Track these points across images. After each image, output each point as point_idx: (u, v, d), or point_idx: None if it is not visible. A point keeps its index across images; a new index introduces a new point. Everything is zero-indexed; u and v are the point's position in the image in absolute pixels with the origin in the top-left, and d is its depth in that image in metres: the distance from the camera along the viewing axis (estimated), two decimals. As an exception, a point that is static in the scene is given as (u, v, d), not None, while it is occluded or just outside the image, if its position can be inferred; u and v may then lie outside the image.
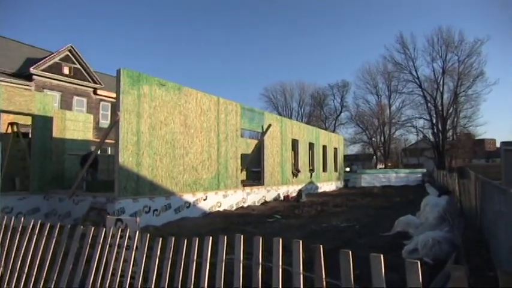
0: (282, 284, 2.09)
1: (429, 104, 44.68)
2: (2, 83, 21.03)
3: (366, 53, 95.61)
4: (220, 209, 12.86)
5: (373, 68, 53.98)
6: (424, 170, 32.79)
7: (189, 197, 11.54)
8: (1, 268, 3.28)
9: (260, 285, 2.12)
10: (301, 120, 56.39)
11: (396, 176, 29.83)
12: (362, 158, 62.48)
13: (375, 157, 58.41)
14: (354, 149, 62.97)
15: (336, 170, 26.60)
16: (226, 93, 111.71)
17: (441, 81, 43.66)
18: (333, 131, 50.76)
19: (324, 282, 1.95)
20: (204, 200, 12.19)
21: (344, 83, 59.32)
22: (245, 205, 14.29)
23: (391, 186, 27.05)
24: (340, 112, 59.72)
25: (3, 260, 3.32)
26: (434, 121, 44.52)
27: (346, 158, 42.96)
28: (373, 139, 55.05)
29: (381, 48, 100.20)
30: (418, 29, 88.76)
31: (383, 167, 52.89)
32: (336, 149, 26.78)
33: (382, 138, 53.53)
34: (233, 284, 2.23)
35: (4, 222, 3.47)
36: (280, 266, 2.07)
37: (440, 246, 5.65)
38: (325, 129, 47.59)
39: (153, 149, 10.36)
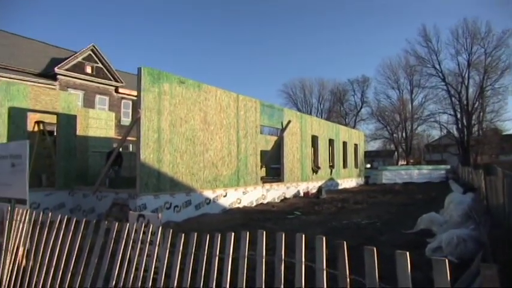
0: (304, 281, 2.06)
1: (453, 99, 43.43)
2: (29, 83, 21.71)
3: (387, 47, 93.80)
4: (240, 206, 12.91)
5: (395, 63, 52.91)
6: (448, 167, 31.98)
7: (209, 194, 11.63)
8: (31, 261, 3.39)
9: (283, 280, 2.10)
10: (321, 116, 55.93)
11: (418, 173, 29.21)
12: (383, 155, 61.41)
13: (396, 153, 57.36)
14: (375, 145, 62.08)
15: (356, 166, 26.26)
16: (245, 90, 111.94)
17: (466, 75, 42.32)
18: (353, 127, 50.10)
19: (348, 279, 1.91)
20: (224, 196, 12.26)
21: (364, 78, 58.44)
22: (265, 202, 14.30)
23: (413, 183, 26.51)
24: (361, 108, 58.89)
25: (32, 253, 3.42)
26: (458, 116, 43.24)
27: (367, 154, 42.32)
28: (395, 135, 54.01)
29: (402, 42, 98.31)
30: (442, 21, 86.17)
31: (405, 163, 51.83)
32: (356, 145, 26.43)
33: (404, 134, 52.43)
34: (255, 279, 2.22)
35: (33, 217, 3.58)
36: (303, 262, 2.05)
37: (465, 245, 5.49)
38: (345, 125, 46.99)
39: (174, 145, 10.48)
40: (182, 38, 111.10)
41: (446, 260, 1.65)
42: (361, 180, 26.95)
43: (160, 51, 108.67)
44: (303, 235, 2.11)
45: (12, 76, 22.28)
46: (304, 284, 2.06)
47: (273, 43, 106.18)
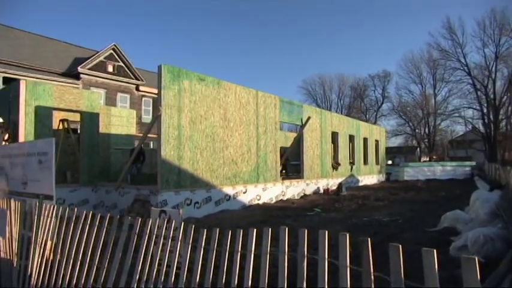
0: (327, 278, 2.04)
1: (479, 93, 42.04)
2: (54, 82, 22.33)
3: (409, 41, 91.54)
4: (260, 202, 12.92)
5: (417, 57, 51.66)
6: (473, 163, 31.07)
7: (229, 190, 11.69)
8: (58, 255, 3.49)
9: (305, 277, 2.08)
10: (341, 112, 55.33)
11: (442, 169, 28.50)
12: (405, 151, 60.16)
13: (418, 149, 56.13)
14: (396, 141, 60.87)
15: (377, 163, 25.86)
16: (264, 86, 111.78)
17: (493, 68, 40.83)
18: (374, 123, 49.31)
19: (372, 277, 1.87)
20: (244, 192, 12.30)
21: (385, 73, 57.39)
22: (284, 198, 14.27)
23: (436, 180, 25.90)
24: (382, 103, 57.92)
25: (60, 247, 3.52)
26: (485, 111, 41.86)
27: (388, 150, 41.56)
28: (417, 131, 52.82)
29: (425, 35, 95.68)
30: (467, 12, 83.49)
31: (427, 160, 50.67)
32: (377, 141, 26.01)
33: (427, 130, 51.22)
34: (277, 276, 2.21)
35: (60, 212, 3.68)
36: (327, 259, 2.02)
37: (492, 244, 5.31)
38: (366, 121, 46.31)
39: (194, 142, 10.57)
40: (202, 36, 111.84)
41: (476, 259, 1.59)
42: (382, 177, 26.53)
43: (180, 49, 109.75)
44: (326, 231, 2.08)
45: (38, 76, 22.97)
46: (327, 280, 2.04)
47: (292, 40, 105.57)
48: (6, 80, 20.90)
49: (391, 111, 55.85)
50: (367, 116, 57.30)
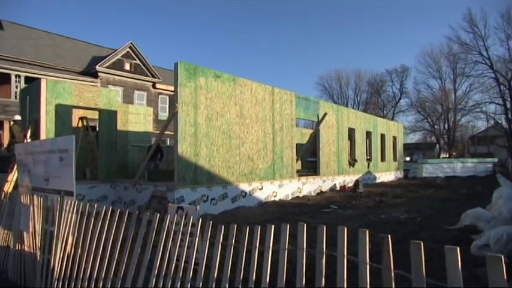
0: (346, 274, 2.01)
1: (502, 87, 40.66)
2: (73, 81, 22.79)
3: (428, 35, 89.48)
4: (276, 199, 12.91)
5: (436, 51, 50.34)
6: (495, 160, 30.23)
7: (245, 187, 11.72)
8: (79, 249, 3.56)
9: (324, 274, 2.06)
10: (358, 108, 54.62)
11: (462, 166, 27.82)
12: (423, 147, 59.03)
13: (437, 146, 54.96)
14: (415, 138, 59.83)
15: (395, 159, 25.45)
16: (280, 83, 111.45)
17: (518, 61, 39.51)
18: (392, 119, 48.56)
19: (393, 274, 1.84)
20: (260, 189, 12.30)
21: (403, 68, 56.21)
22: (301, 195, 14.21)
23: (456, 177, 25.30)
24: (399, 99, 56.85)
25: (80, 242, 3.60)
26: (508, 105, 40.51)
27: (406, 147, 40.87)
28: (436, 127, 51.70)
29: (444, 29, 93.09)
30: (490, 4, 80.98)
31: (447, 156, 49.59)
32: (394, 137, 25.59)
33: (446, 126, 50.06)
34: (294, 272, 2.20)
35: (80, 208, 3.76)
36: (346, 256, 2.00)
37: (516, 243, 5.16)
38: (383, 117, 45.62)
39: (210, 139, 10.62)
40: (218, 34, 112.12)
41: (502, 257, 1.53)
42: (400, 174, 26.11)
43: (196, 47, 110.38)
44: (345, 228, 2.06)
45: (58, 75, 23.49)
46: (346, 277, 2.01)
47: (307, 36, 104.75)
48: (28, 80, 21.43)
49: (409, 107, 54.85)
50: (385, 111, 56.41)
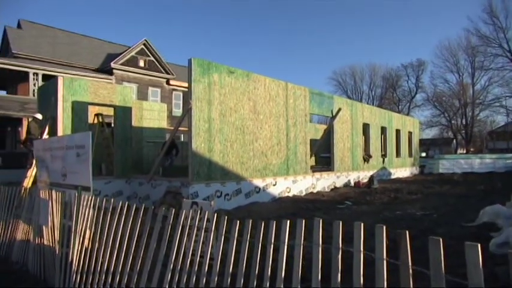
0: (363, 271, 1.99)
1: (524, 81, 39.63)
2: (88, 78, 23.12)
3: (445, 28, 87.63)
4: (290, 195, 12.88)
5: (454, 44, 49.30)
6: (515, 155, 29.48)
7: (258, 182, 11.72)
8: (96, 243, 3.62)
9: (340, 270, 2.04)
10: (372, 104, 53.99)
11: (480, 162, 27.18)
12: (440, 143, 57.92)
13: (454, 141, 53.93)
14: (431, 133, 58.73)
15: (410, 155, 25.09)
16: (293, 78, 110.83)
17: (541, 53, 38.35)
18: (407, 114, 47.76)
19: (411, 270, 1.81)
20: (274, 185, 12.29)
21: (419, 62, 55.23)
22: (314, 191, 14.15)
23: (474, 173, 24.76)
24: (415, 93, 55.92)
25: (98, 236, 3.65)
26: (530, 99, 39.52)
27: (422, 142, 40.19)
28: (453, 122, 50.64)
29: (463, 21, 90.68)
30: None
31: (464, 152, 48.59)
32: (410, 133, 25.21)
33: (464, 121, 48.98)
34: (310, 268, 2.18)
35: (97, 203, 3.81)
36: (362, 251, 1.97)
37: (538, 241, 5.03)
38: (398, 112, 44.98)
39: (224, 135, 10.64)
40: (230, 31, 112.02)
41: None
42: (415, 170, 25.74)
43: (210, 43, 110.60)
44: (362, 223, 2.03)
45: (74, 72, 23.86)
46: (363, 273, 1.99)
47: (322, 32, 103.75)
48: (45, 77, 21.84)
49: (426, 102, 53.94)
50: (400, 107, 55.61)
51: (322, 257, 2.19)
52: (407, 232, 1.87)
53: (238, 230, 2.64)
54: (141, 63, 28.33)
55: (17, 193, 6.00)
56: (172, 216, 3.10)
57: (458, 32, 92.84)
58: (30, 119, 12.61)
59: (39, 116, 11.36)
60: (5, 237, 6.00)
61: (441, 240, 1.74)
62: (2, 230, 6.13)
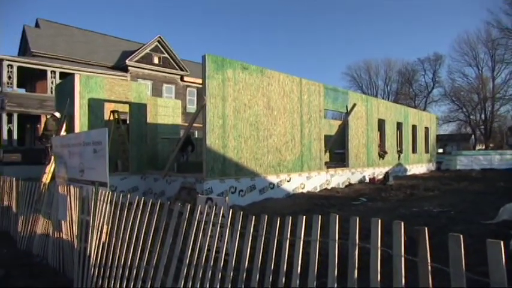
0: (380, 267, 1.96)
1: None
2: (105, 75, 23.44)
3: (463, 20, 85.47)
4: (304, 191, 12.83)
5: (473, 37, 48.08)
6: (537, 151, 28.68)
7: (273, 178, 11.71)
8: (113, 238, 3.68)
9: (356, 266, 2.02)
10: (388, 99, 53.26)
11: (500, 158, 26.53)
12: (457, 138, 56.76)
13: (473, 137, 52.75)
14: (448, 129, 57.55)
15: (427, 151, 24.66)
16: (307, 74, 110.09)
17: None
18: (424, 109, 46.95)
19: (430, 267, 1.78)
20: (288, 181, 12.26)
21: (437, 56, 54.07)
22: (329, 187, 14.06)
23: (493, 169, 24.18)
24: (432, 88, 54.86)
25: (115, 231, 3.71)
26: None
27: (439, 138, 39.46)
28: (472, 117, 49.51)
29: (482, 13, 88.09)
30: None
31: (483, 148, 47.47)
32: (427, 128, 24.77)
33: (483, 116, 47.83)
34: (325, 264, 2.17)
35: (114, 199, 3.87)
36: (379, 248, 1.94)
37: (560, 238, 4.88)
38: (415, 107, 44.21)
39: (238, 131, 10.66)
40: (243, 28, 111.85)
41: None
42: (432, 166, 25.30)
43: (222, 40, 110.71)
44: (379, 220, 2.00)
45: (90, 70, 24.22)
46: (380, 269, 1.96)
47: (335, 27, 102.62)
48: (62, 75, 22.24)
49: (443, 97, 52.85)
50: (416, 102, 54.66)
51: (338, 254, 2.17)
52: (426, 228, 1.84)
53: (254, 225, 2.64)
54: (156, 60, 28.56)
55: (36, 188, 6.14)
56: (187, 212, 3.12)
57: (478, 24, 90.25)
58: (48, 116, 12.87)
59: (57, 114, 11.58)
60: (26, 231, 6.15)
61: (461, 236, 1.70)
62: (23, 224, 6.30)
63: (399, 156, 20.31)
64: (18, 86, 22.91)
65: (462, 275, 1.66)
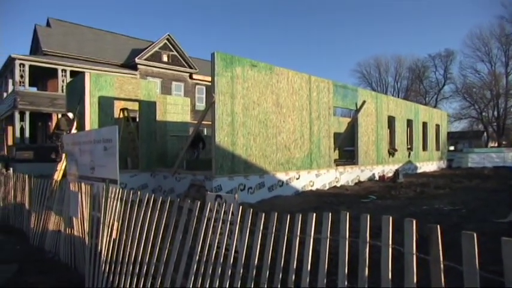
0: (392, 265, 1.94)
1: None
2: (114, 73, 23.62)
3: (475, 16, 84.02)
4: (313, 188, 12.80)
5: (486, 32, 47.05)
6: (552, 149, 28.17)
7: (282, 176, 11.69)
8: (124, 235, 3.71)
9: (367, 264, 2.01)
10: (398, 96, 52.72)
11: (514, 156, 26.14)
12: (469, 136, 55.82)
13: (485, 134, 51.91)
14: (460, 126, 56.63)
15: (437, 148, 24.38)
16: (316, 72, 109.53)
17: None
18: (434, 107, 46.37)
19: (442, 265, 1.75)
20: (297, 179, 12.24)
21: (448, 52, 53.16)
22: (338, 185, 14.00)
23: (506, 167, 23.79)
24: (443, 85, 54.01)
25: (125, 227, 3.74)
26: None
27: (450, 135, 38.92)
28: (484, 114, 48.64)
29: (496, 7, 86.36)
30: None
31: (495, 145, 46.73)
32: (438, 125, 24.48)
33: (496, 113, 46.96)
34: (334, 262, 2.16)
35: (124, 196, 3.90)
36: (390, 246, 1.92)
37: None
38: (425, 104, 43.68)
39: (247, 128, 10.65)
40: (252, 25, 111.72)
41: None
42: (443, 164, 25.01)
43: (231, 38, 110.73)
44: (390, 217, 1.98)
45: (100, 68, 24.44)
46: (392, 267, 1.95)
47: (345, 23, 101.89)
48: (73, 74, 22.48)
49: (454, 94, 52.03)
50: (427, 99, 53.98)
51: (348, 252, 2.16)
52: (438, 226, 1.81)
53: (263, 223, 2.64)
54: (165, 58, 28.69)
55: (48, 185, 6.23)
56: (197, 209, 3.13)
57: (491, 19, 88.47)
58: (60, 115, 13.03)
59: (70, 115, 11.72)
60: (38, 228, 6.25)
61: (475, 234, 1.67)
62: (35, 220, 6.39)
63: (409, 154, 20.12)
64: (30, 85, 23.23)
65: (476, 274, 1.63)
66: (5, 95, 25.73)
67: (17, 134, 22.24)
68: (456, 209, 8.76)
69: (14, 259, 5.40)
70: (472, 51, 48.40)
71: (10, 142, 25.10)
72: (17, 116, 21.91)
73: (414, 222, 1.88)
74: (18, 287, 4.33)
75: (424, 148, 22.31)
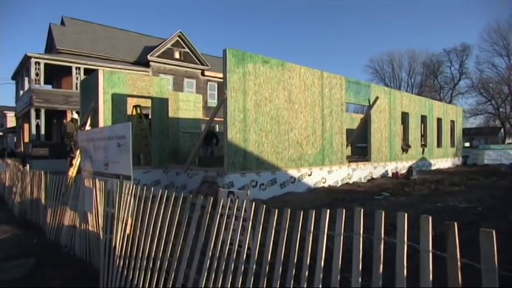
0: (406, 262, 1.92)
1: None
2: (127, 71, 23.84)
3: (492, 9, 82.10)
4: (325, 185, 12.73)
5: (504, 25, 46.00)
6: None
7: (294, 172, 11.66)
8: (138, 230, 3.75)
9: (382, 261, 1.98)
10: (412, 92, 51.97)
11: (532, 153, 25.50)
12: (485, 132, 54.74)
13: (502, 130, 50.81)
14: (475, 122, 55.57)
15: (452, 145, 23.97)
16: (329, 67, 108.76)
17: None
18: (449, 102, 45.55)
19: (459, 263, 1.72)
20: (309, 175, 12.19)
21: (464, 47, 52.06)
22: (350, 181, 13.90)
23: (524, 164, 23.27)
24: (459, 80, 53.00)
25: (139, 223, 3.77)
26: None
27: (466, 132, 38.22)
28: (501, 109, 47.57)
29: None
30: None
31: (513, 142, 45.73)
32: (453, 122, 24.06)
33: (514, 109, 46.01)
34: (349, 258, 2.14)
35: (138, 192, 3.94)
36: (406, 243, 1.89)
37: None
38: (440, 100, 42.96)
39: (259, 125, 10.64)
40: (264, 22, 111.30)
41: None
42: (458, 161, 24.59)
43: (243, 34, 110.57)
44: (405, 214, 1.95)
45: (113, 66, 24.69)
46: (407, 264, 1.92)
47: (355, 17, 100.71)
48: (87, 71, 22.78)
49: (470, 89, 51.04)
50: (441, 94, 53.07)
51: (362, 248, 2.14)
52: (455, 223, 1.78)
53: (277, 219, 2.63)
54: (177, 55, 28.83)
55: (63, 181, 6.33)
56: (210, 206, 3.14)
57: (510, 12, 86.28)
58: (65, 121, 13.27)
59: (75, 116, 11.90)
60: (54, 223, 6.36)
61: (494, 232, 1.63)
62: (51, 215, 6.51)
63: (423, 151, 19.84)
64: (45, 83, 23.64)
65: (494, 272, 1.59)
66: (21, 93, 26.25)
67: (33, 131, 22.68)
68: (472, 207, 8.61)
69: (32, 253, 5.53)
70: (489, 45, 47.38)
71: (26, 139, 25.63)
72: (32, 113, 22.33)
73: (430, 219, 1.85)
74: (37, 279, 4.43)
75: (439, 144, 21.97)
